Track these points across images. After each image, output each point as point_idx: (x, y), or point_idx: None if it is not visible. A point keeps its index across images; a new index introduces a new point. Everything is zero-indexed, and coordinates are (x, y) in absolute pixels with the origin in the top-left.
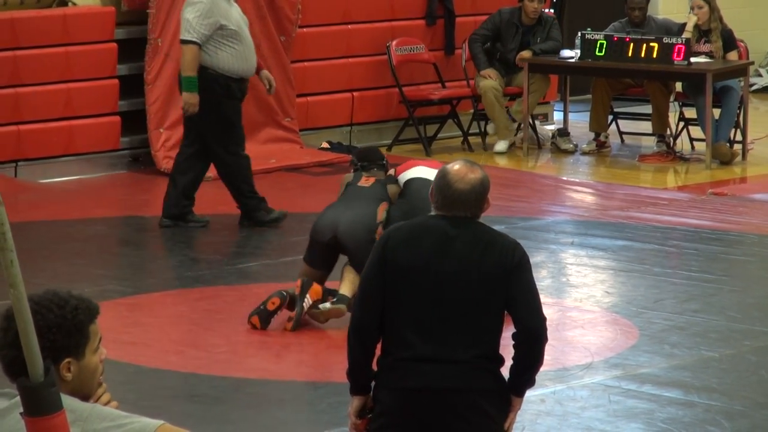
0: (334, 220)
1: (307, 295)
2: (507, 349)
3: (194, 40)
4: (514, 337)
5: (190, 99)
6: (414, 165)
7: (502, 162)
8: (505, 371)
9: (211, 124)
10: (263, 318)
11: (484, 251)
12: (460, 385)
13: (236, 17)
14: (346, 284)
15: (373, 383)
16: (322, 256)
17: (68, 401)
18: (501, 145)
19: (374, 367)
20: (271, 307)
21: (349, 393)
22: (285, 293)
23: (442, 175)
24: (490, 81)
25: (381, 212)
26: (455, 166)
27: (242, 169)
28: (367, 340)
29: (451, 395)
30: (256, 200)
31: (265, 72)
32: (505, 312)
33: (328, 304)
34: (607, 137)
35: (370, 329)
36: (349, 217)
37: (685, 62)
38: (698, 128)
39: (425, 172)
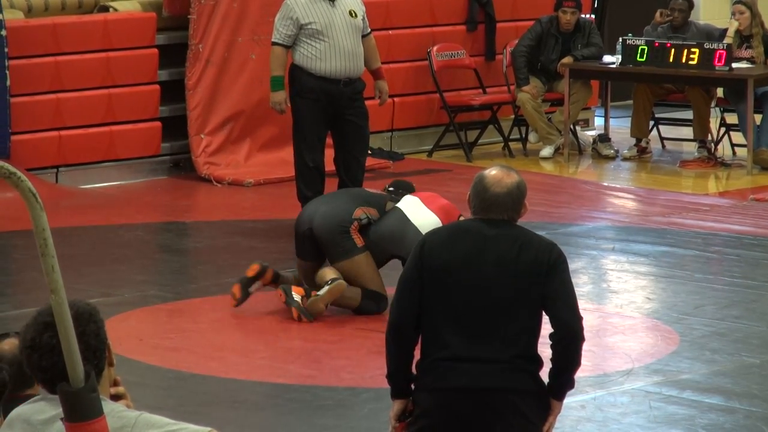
0: (312, 213)
1: (293, 293)
2: (547, 353)
3: (276, 41)
4: (551, 336)
5: (273, 98)
6: (417, 195)
7: (546, 167)
8: (545, 375)
9: (293, 119)
10: (244, 285)
11: (521, 251)
12: (498, 385)
13: (325, 16)
14: (330, 273)
15: (412, 386)
16: (305, 247)
17: (116, 408)
18: (546, 151)
19: (414, 370)
20: (250, 273)
21: (390, 397)
22: (266, 263)
23: (479, 180)
24: (526, 94)
25: (358, 212)
26: (492, 171)
27: (305, 172)
28: (404, 342)
29: (489, 395)
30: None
31: (380, 82)
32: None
33: (324, 288)
34: (648, 143)
35: (407, 330)
36: (324, 210)
37: (726, 68)
38: (739, 134)
39: (412, 206)
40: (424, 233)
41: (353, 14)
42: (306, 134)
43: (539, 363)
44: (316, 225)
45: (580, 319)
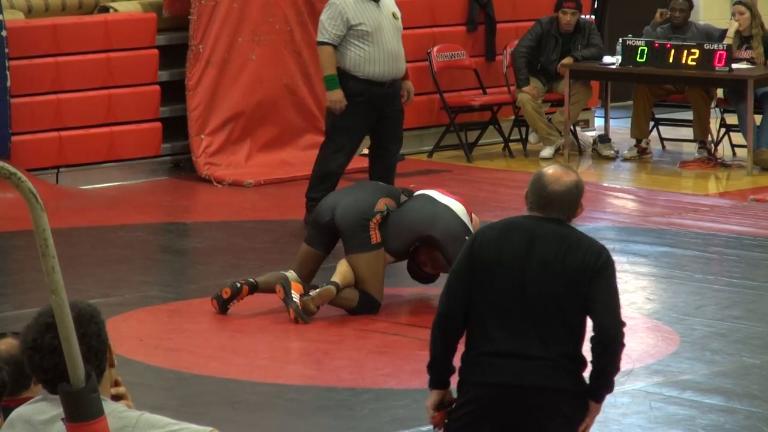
0: (334, 203)
1: (293, 292)
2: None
3: (326, 40)
4: (591, 339)
5: (331, 96)
6: (437, 190)
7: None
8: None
9: (329, 118)
10: (221, 303)
11: (568, 252)
12: (538, 383)
13: (374, 18)
14: (338, 274)
15: (458, 378)
16: (320, 236)
17: (117, 408)
18: (546, 151)
19: (456, 363)
20: (225, 295)
21: (428, 386)
22: (238, 283)
23: (538, 177)
24: (526, 94)
25: (380, 204)
26: (550, 170)
27: (327, 172)
28: (449, 334)
29: (529, 392)
30: (312, 202)
31: (407, 83)
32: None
33: (316, 291)
34: (648, 143)
35: (454, 322)
36: (347, 202)
37: (726, 68)
38: (739, 134)
39: (437, 194)
40: (455, 210)
41: (396, 16)
42: (346, 138)
43: (582, 363)
44: (338, 216)
45: (620, 324)
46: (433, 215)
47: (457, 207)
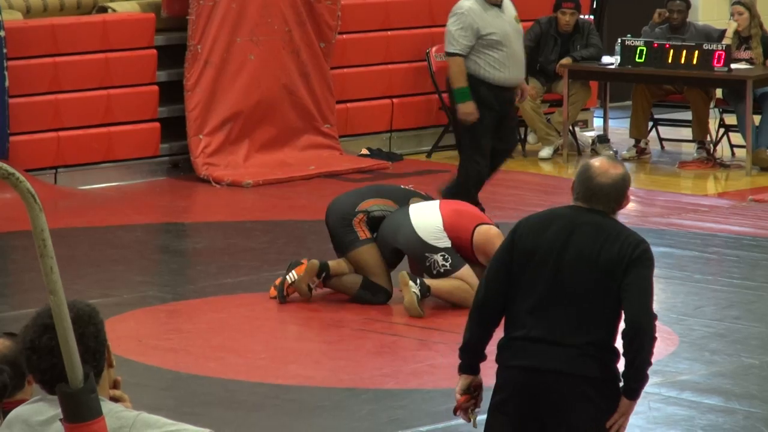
0: (329, 207)
1: (293, 271)
2: None
3: (456, 51)
4: (622, 331)
5: (463, 109)
6: (444, 201)
7: (545, 168)
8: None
9: (463, 129)
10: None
11: (605, 243)
12: (565, 369)
13: (501, 25)
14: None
15: (490, 365)
16: (331, 239)
17: (115, 408)
18: (545, 152)
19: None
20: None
21: (458, 371)
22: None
23: (585, 169)
24: None
25: (365, 204)
26: (597, 162)
27: (477, 178)
28: (486, 320)
29: (556, 377)
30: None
31: (522, 82)
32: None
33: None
34: (647, 144)
35: (490, 311)
36: (332, 205)
37: (725, 69)
38: (738, 135)
39: (422, 206)
40: (418, 233)
41: (517, 20)
42: (482, 143)
43: (614, 353)
44: (327, 220)
45: (649, 316)
46: (396, 230)
47: (427, 224)
